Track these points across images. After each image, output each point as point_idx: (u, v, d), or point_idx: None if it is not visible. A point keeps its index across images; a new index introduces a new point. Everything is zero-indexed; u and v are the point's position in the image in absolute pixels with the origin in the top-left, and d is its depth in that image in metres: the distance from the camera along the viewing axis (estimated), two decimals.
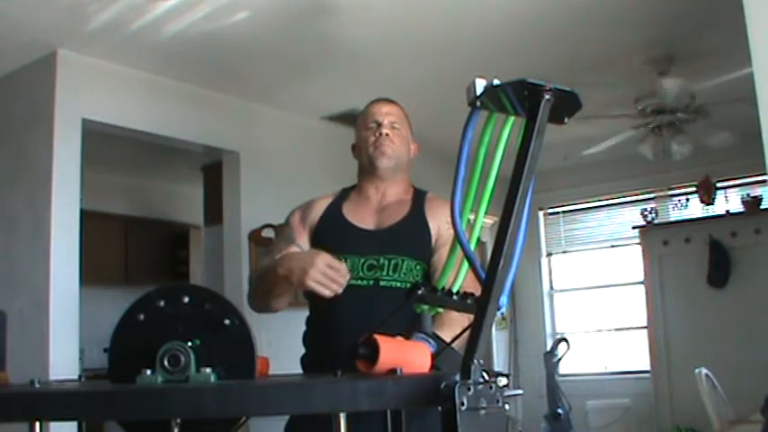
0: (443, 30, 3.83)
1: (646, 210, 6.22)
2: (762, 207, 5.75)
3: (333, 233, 2.06)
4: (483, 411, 0.93)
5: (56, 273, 3.67)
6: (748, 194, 5.83)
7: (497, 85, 1.05)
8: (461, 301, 1.24)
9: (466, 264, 1.17)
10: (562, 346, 5.80)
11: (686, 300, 5.91)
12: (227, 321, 1.21)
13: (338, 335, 1.87)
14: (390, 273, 1.97)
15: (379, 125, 2.10)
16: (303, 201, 2.22)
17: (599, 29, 3.90)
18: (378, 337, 1.15)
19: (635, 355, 6.39)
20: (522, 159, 1.00)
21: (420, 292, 1.26)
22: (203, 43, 3.84)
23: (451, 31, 3.85)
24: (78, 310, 3.77)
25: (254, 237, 4.65)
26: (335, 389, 1.05)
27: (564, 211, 7.02)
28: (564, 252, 7.06)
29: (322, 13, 3.59)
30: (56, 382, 1.57)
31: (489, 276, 0.98)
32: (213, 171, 5.06)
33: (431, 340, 1.40)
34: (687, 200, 6.20)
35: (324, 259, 1.72)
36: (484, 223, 1.22)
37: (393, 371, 1.12)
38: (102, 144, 4.64)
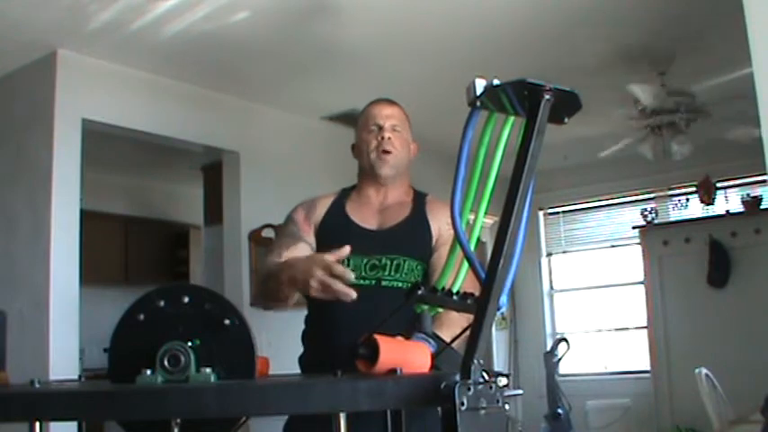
0: (443, 30, 3.83)
1: (646, 210, 6.22)
2: (762, 207, 5.75)
3: (337, 232, 2.06)
4: (483, 411, 0.93)
5: (56, 273, 3.67)
6: (748, 194, 5.83)
7: (497, 85, 1.05)
8: (461, 301, 1.24)
9: (466, 264, 1.17)
10: (562, 346, 5.80)
11: (686, 300, 5.91)
12: (227, 321, 1.21)
13: (339, 334, 1.87)
14: (392, 273, 1.98)
15: (381, 128, 2.09)
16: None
17: (599, 29, 3.90)
18: (378, 337, 1.15)
19: (635, 355, 6.39)
20: (522, 159, 1.00)
21: (420, 292, 1.26)
22: (203, 43, 3.84)
23: (451, 31, 3.85)
24: (78, 310, 3.77)
25: (254, 237, 4.65)
26: (335, 389, 1.05)
27: (564, 211, 7.03)
28: (564, 252, 7.06)
29: (322, 14, 3.59)
30: (56, 382, 1.57)
31: (489, 276, 0.98)
32: (213, 171, 5.06)
33: (431, 340, 1.40)
34: (687, 200, 6.20)
35: (325, 266, 1.67)
36: (484, 223, 1.22)
37: (393, 371, 1.12)
38: (102, 144, 4.64)
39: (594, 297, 6.84)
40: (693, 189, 6.09)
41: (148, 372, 1.17)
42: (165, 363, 1.17)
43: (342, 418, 1.03)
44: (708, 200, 5.97)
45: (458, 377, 0.94)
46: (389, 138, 2.07)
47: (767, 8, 2.36)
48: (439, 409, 0.96)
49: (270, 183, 4.77)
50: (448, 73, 3.96)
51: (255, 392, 1.09)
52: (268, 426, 1.90)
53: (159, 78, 4.28)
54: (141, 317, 1.23)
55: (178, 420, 1.16)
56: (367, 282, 1.96)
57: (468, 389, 0.93)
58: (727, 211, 5.90)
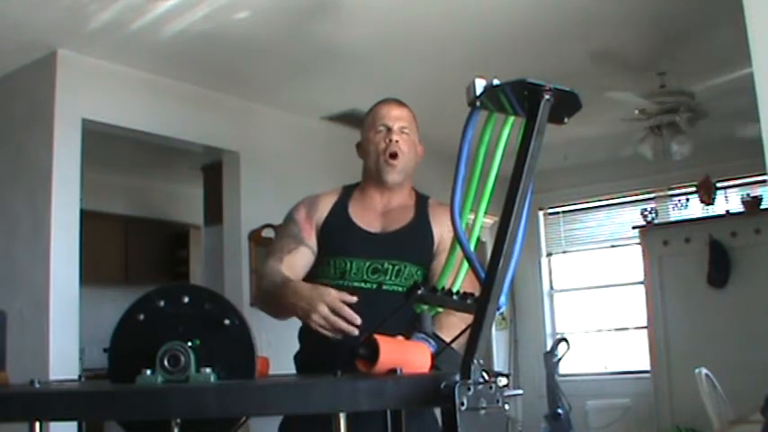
0: (443, 30, 3.83)
1: (646, 210, 6.22)
2: (762, 207, 5.75)
3: (339, 234, 2.05)
4: (483, 411, 0.93)
5: (56, 273, 3.67)
6: (748, 194, 5.83)
7: (497, 85, 1.05)
8: (461, 301, 1.24)
9: (466, 264, 1.17)
10: (562, 346, 5.80)
11: (686, 300, 5.91)
12: (227, 321, 1.21)
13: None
14: (393, 278, 1.97)
15: (389, 130, 2.06)
16: None
17: (599, 29, 3.90)
18: (378, 337, 1.15)
19: (635, 355, 6.39)
20: (522, 159, 1.00)
21: (420, 292, 1.26)
22: (203, 43, 3.84)
23: (451, 31, 3.85)
24: (78, 310, 3.77)
25: (254, 237, 4.65)
26: (335, 389, 1.05)
27: (564, 211, 7.02)
28: (564, 252, 7.06)
29: (322, 13, 3.59)
30: (56, 382, 1.57)
31: (489, 276, 0.98)
32: (213, 171, 5.06)
33: (431, 340, 1.40)
34: (687, 200, 6.20)
35: (326, 301, 1.67)
36: (484, 223, 1.22)
37: (393, 371, 1.12)
38: (102, 144, 4.64)
39: (594, 297, 6.84)
40: (693, 189, 6.09)
41: (148, 372, 1.17)
42: (165, 363, 1.17)
43: (342, 418, 1.03)
44: (708, 200, 5.97)
45: (458, 377, 0.94)
46: (397, 140, 2.05)
47: (767, 8, 2.35)
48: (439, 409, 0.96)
49: (270, 183, 4.77)
50: (448, 73, 3.95)
51: (255, 392, 1.09)
52: (268, 426, 1.91)
53: (159, 78, 4.28)
54: (141, 317, 1.23)
55: (178, 420, 1.16)
56: (368, 285, 1.96)
57: (468, 389, 0.93)
58: (727, 211, 5.89)
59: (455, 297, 1.24)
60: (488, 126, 1.13)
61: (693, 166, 5.51)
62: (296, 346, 2.09)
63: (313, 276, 2.03)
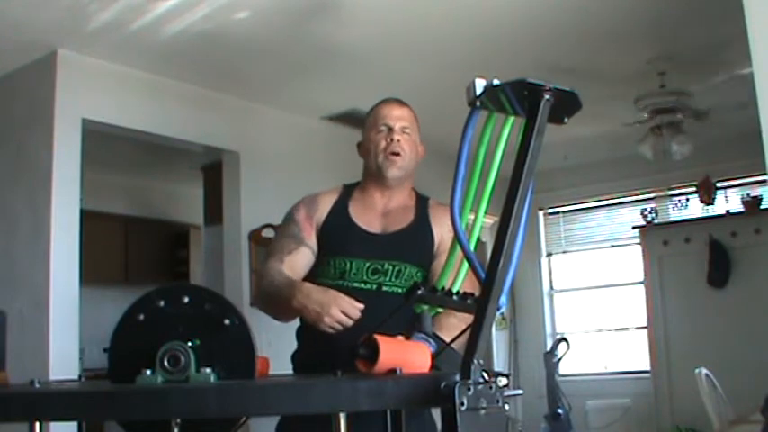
0: (443, 30, 3.83)
1: (646, 210, 6.22)
2: (762, 207, 5.74)
3: (339, 234, 2.04)
4: (483, 411, 0.93)
5: (56, 273, 3.67)
6: (748, 194, 5.82)
7: (497, 85, 1.05)
8: (461, 302, 1.24)
9: (466, 264, 1.17)
10: (562, 346, 5.80)
11: (686, 300, 5.91)
12: (227, 321, 1.21)
13: (337, 337, 1.86)
14: (393, 279, 1.97)
15: (391, 130, 2.06)
16: None
17: (599, 29, 3.89)
18: (378, 337, 1.15)
19: (635, 355, 6.39)
20: (522, 159, 1.00)
21: (420, 292, 1.26)
22: (203, 43, 3.84)
23: (451, 31, 3.85)
24: (78, 310, 3.77)
25: (254, 237, 4.65)
26: (335, 389, 1.05)
27: (564, 211, 7.02)
28: (564, 252, 7.06)
29: (322, 14, 3.59)
30: (56, 382, 1.57)
31: (489, 276, 0.98)
32: (213, 171, 5.06)
33: (431, 340, 1.40)
34: (687, 200, 6.20)
35: (340, 304, 1.73)
36: (484, 223, 1.22)
37: (393, 371, 1.12)
38: (102, 144, 4.64)
39: (594, 297, 6.83)
40: (693, 189, 6.08)
41: (148, 372, 1.17)
42: (165, 363, 1.17)
43: (342, 418, 1.03)
44: (708, 200, 5.97)
45: (458, 377, 0.94)
46: (399, 140, 2.05)
47: (767, 8, 2.35)
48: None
49: (270, 183, 4.76)
50: (448, 73, 3.95)
51: (255, 392, 1.09)
52: (268, 426, 1.90)
53: (159, 78, 4.27)
54: (141, 317, 1.23)
55: (178, 420, 1.16)
56: (368, 286, 1.96)
57: (468, 389, 0.93)
58: (727, 211, 5.89)
59: (455, 297, 1.24)
60: (488, 126, 1.13)
61: (693, 166, 5.51)
62: (295, 347, 2.09)
63: (312, 276, 2.02)
